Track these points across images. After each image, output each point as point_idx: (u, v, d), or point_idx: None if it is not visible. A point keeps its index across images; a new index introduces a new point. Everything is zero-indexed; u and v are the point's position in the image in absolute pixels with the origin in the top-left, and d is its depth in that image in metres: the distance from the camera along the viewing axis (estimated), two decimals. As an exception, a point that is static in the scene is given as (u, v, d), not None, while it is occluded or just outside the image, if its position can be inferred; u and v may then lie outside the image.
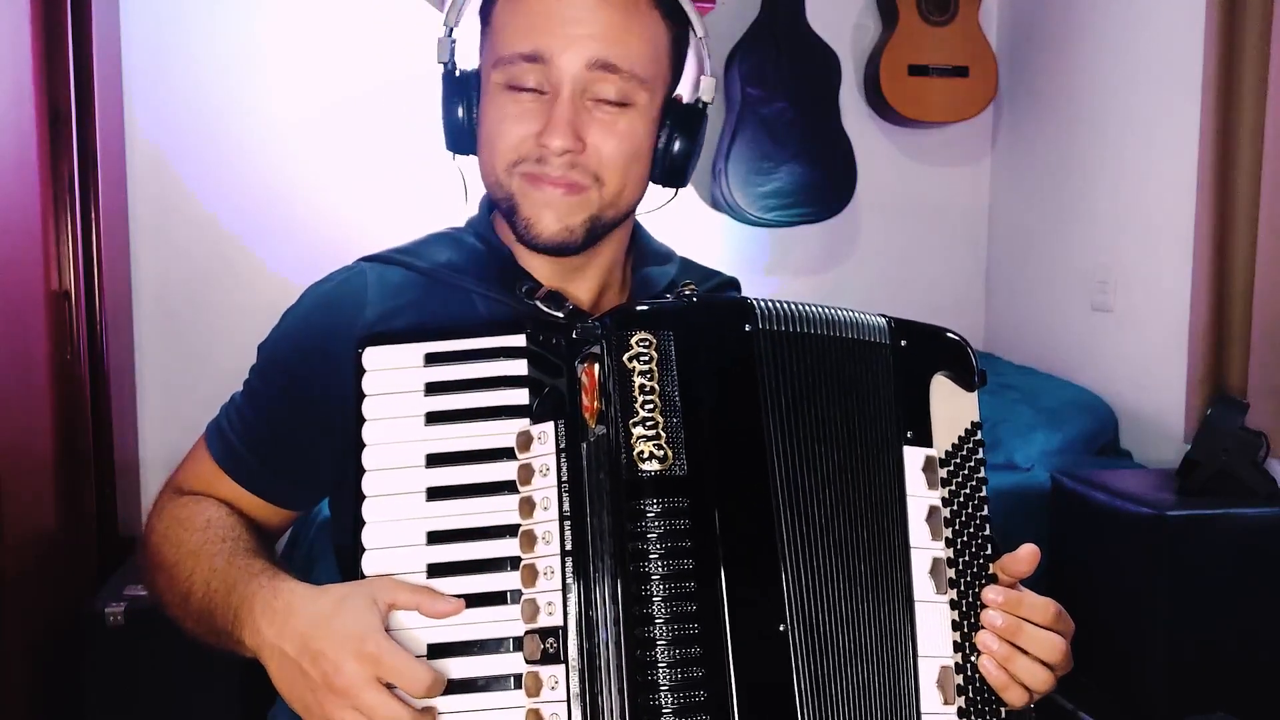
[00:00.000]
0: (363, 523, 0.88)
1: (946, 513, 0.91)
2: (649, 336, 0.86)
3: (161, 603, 1.02)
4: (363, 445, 0.90)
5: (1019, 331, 3.27)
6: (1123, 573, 2.14)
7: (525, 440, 0.89)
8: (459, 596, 0.85)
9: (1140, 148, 2.73)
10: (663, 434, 0.84)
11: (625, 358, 0.85)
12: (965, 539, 0.90)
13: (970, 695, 0.88)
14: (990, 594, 0.89)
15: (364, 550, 0.88)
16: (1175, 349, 2.55)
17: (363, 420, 0.90)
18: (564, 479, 0.87)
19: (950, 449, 0.92)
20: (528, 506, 0.87)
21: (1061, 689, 0.98)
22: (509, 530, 0.87)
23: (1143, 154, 2.72)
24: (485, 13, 1.05)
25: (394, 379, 0.92)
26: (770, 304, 0.90)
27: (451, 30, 1.06)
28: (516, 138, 1.00)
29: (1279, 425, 2.26)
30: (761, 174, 2.99)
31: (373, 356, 0.92)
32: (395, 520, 0.88)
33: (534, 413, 0.90)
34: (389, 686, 0.80)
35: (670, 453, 0.83)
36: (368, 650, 0.80)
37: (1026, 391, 2.84)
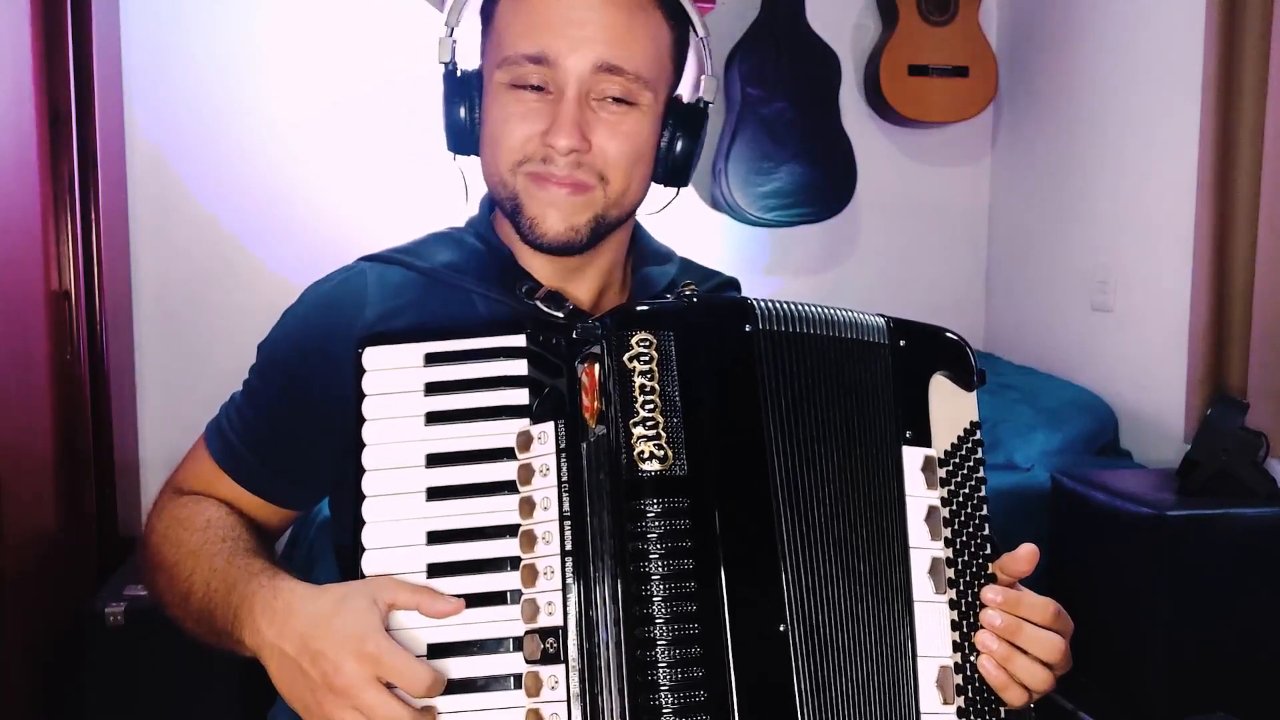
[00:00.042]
0: (363, 522, 0.88)
1: (945, 513, 0.91)
2: (649, 336, 0.86)
3: (161, 603, 1.02)
4: (363, 445, 0.90)
5: (1019, 331, 3.27)
6: (1123, 573, 2.14)
7: (525, 440, 0.89)
8: (459, 596, 0.85)
9: (1140, 148, 2.73)
10: (663, 434, 0.84)
11: (625, 358, 0.85)
12: (964, 539, 0.90)
13: (970, 695, 0.88)
14: (989, 594, 0.89)
15: (364, 550, 0.88)
16: (1175, 349, 2.55)
17: (363, 420, 0.90)
18: (564, 479, 0.87)
19: (949, 449, 0.93)
20: (528, 506, 0.87)
21: (1061, 689, 0.98)
22: (509, 530, 0.87)
23: (1143, 154, 2.72)
24: (487, 12, 1.05)
25: (394, 379, 0.92)
26: (770, 304, 0.90)
27: (453, 30, 1.06)
28: (521, 137, 1.00)
29: (1279, 425, 2.26)
30: (761, 174, 2.99)
31: (373, 356, 0.92)
32: (395, 520, 0.88)
33: (534, 413, 0.90)
34: (389, 686, 0.80)
35: (670, 453, 0.83)
36: (368, 650, 0.80)
37: (1026, 391, 2.84)
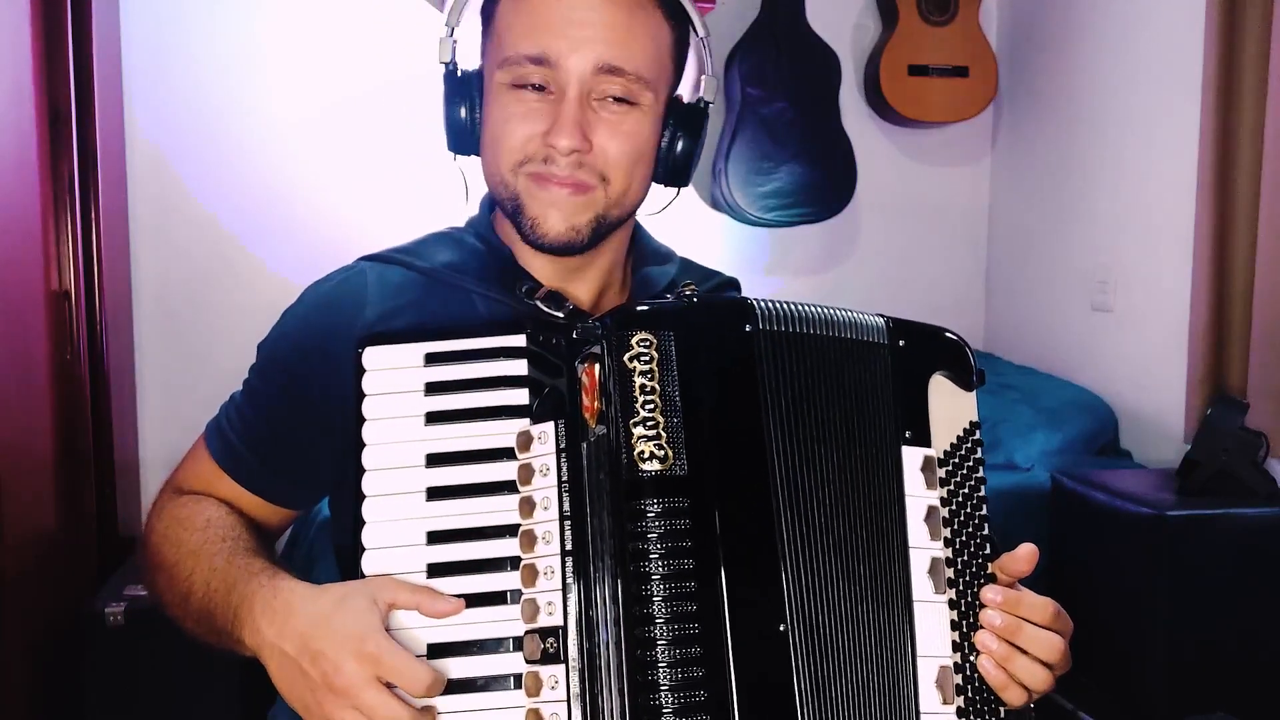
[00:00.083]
0: (363, 522, 0.88)
1: (945, 512, 0.91)
2: (649, 336, 0.86)
3: (161, 602, 1.02)
4: (363, 445, 0.90)
5: (1019, 331, 3.27)
6: (1123, 573, 2.14)
7: (525, 440, 0.89)
8: (459, 596, 0.85)
9: (1140, 148, 2.73)
10: (663, 434, 0.84)
11: (626, 358, 0.85)
12: (964, 539, 0.91)
13: (969, 695, 0.88)
14: (989, 594, 0.89)
15: (364, 550, 0.88)
16: (1175, 349, 2.55)
17: (363, 420, 0.90)
18: (564, 479, 0.87)
19: (949, 449, 0.93)
20: (528, 506, 0.87)
21: (1061, 689, 0.98)
22: (509, 530, 0.87)
23: (1143, 154, 2.72)
24: (487, 13, 1.05)
25: (394, 379, 0.92)
26: (770, 304, 0.90)
27: (453, 30, 1.06)
28: (522, 137, 1.00)
29: (1279, 425, 2.26)
30: (761, 174, 2.99)
31: (373, 356, 0.92)
32: (395, 520, 0.88)
33: (534, 413, 0.90)
34: (389, 686, 0.80)
35: (671, 453, 0.83)
36: (368, 650, 0.80)
37: (1026, 391, 2.84)
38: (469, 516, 0.88)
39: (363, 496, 0.89)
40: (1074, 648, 0.91)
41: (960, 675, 0.88)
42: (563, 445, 0.88)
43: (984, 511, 0.92)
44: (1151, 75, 2.69)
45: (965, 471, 0.92)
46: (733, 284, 1.21)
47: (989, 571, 0.91)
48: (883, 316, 0.95)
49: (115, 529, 2.63)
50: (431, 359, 0.92)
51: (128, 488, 2.75)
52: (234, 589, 0.91)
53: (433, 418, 0.90)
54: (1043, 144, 3.15)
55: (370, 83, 2.93)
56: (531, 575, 0.86)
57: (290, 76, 2.93)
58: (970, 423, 0.94)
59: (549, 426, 0.89)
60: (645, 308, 0.90)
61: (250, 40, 2.91)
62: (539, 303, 1.02)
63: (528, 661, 0.84)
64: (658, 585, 0.81)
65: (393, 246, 1.10)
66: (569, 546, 0.85)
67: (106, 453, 2.60)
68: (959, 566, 0.90)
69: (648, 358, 0.85)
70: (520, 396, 0.90)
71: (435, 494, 0.89)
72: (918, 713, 0.86)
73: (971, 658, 0.88)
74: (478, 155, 1.07)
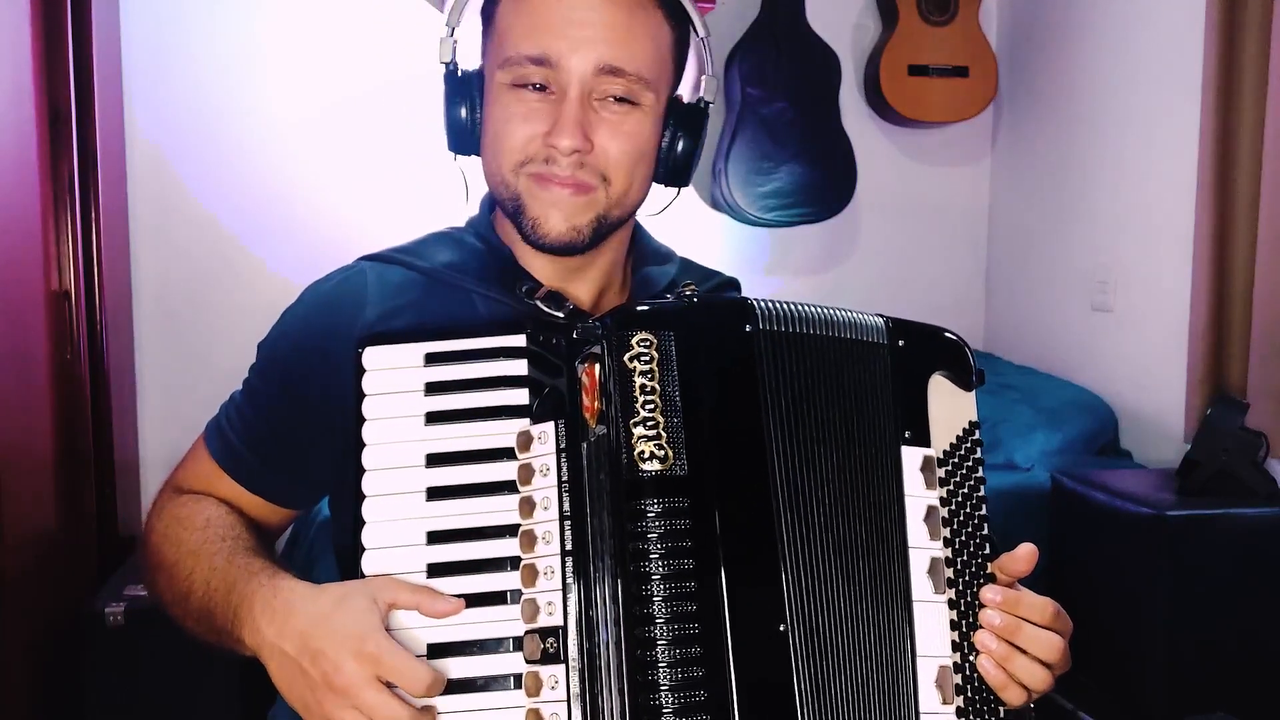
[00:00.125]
0: (363, 522, 0.88)
1: (944, 512, 0.91)
2: (650, 336, 0.86)
3: (162, 602, 1.02)
4: (363, 445, 0.90)
5: (1019, 331, 3.27)
6: (1123, 573, 2.14)
7: (525, 440, 0.89)
8: (459, 596, 0.85)
9: (1140, 148, 2.73)
10: (663, 434, 0.84)
11: (626, 358, 0.85)
12: (963, 539, 0.91)
13: (969, 695, 0.88)
14: (988, 593, 0.89)
15: (364, 550, 0.88)
16: (1175, 349, 2.55)
17: (363, 420, 0.91)
18: (564, 479, 0.87)
19: (948, 449, 0.93)
20: (528, 506, 0.87)
21: (1061, 689, 0.98)
22: (509, 530, 0.87)
23: (1143, 154, 2.72)
24: (487, 13, 1.05)
25: (394, 379, 0.92)
26: (770, 304, 0.90)
27: (453, 30, 1.06)
28: (524, 138, 1.00)
29: (1279, 425, 2.26)
30: (761, 174, 2.99)
31: (373, 356, 0.92)
32: (395, 520, 0.88)
33: (534, 413, 0.90)
34: (389, 686, 0.80)
35: (671, 453, 0.83)
36: (368, 650, 0.80)
37: (1026, 391, 2.84)
38: (469, 516, 0.88)
39: (363, 496, 0.89)
40: (1073, 647, 0.91)
41: (960, 675, 0.88)
42: (563, 445, 0.88)
43: (983, 511, 0.92)
44: (1151, 75, 2.69)
45: (965, 471, 0.92)
46: (733, 284, 1.21)
47: (988, 571, 0.91)
48: (882, 316, 0.95)
49: (115, 529, 2.63)
50: (431, 359, 0.92)
51: (128, 488, 2.75)
52: (234, 588, 0.91)
53: (433, 418, 0.90)
54: (1043, 144, 3.15)
55: (370, 83, 2.93)
56: (531, 575, 0.86)
57: (290, 76, 2.93)
58: (970, 422, 0.94)
59: (549, 426, 0.89)
60: (645, 308, 0.90)
61: (250, 40, 2.91)
62: (539, 303, 1.02)
63: (528, 661, 0.84)
64: (658, 585, 0.81)
65: (393, 246, 1.10)
66: (569, 546, 0.85)
67: (106, 453, 2.60)
68: (958, 566, 0.90)
69: (648, 358, 0.85)
70: (520, 396, 0.90)
71: (435, 494, 0.89)
72: (917, 712, 0.86)
73: (971, 657, 0.88)
74: (478, 155, 1.07)
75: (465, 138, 1.06)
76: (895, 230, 3.35)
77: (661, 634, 0.80)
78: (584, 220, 1.02)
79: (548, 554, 0.86)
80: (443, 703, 0.83)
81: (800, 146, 3.01)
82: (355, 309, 1.03)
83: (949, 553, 0.90)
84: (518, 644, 0.85)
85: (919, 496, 0.91)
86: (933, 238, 3.39)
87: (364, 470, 0.89)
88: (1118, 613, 2.13)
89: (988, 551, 0.91)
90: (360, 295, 1.04)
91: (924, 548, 0.90)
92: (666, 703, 0.79)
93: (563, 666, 0.84)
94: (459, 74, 1.06)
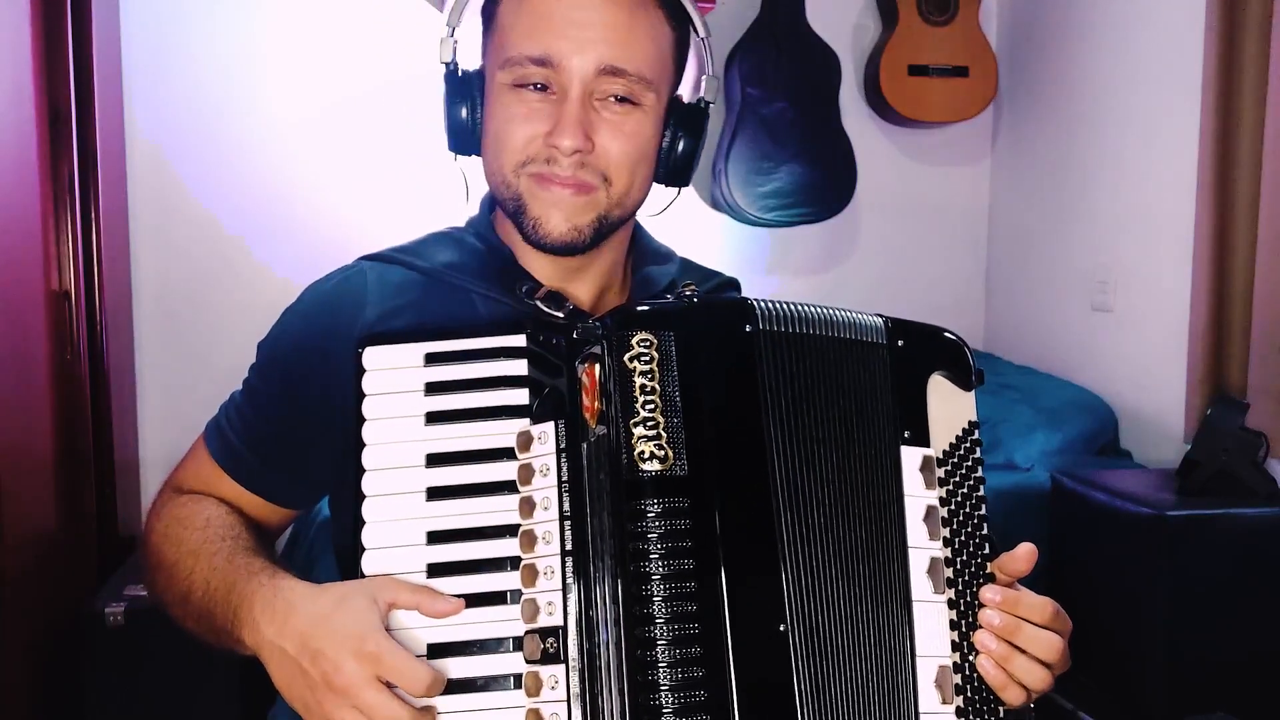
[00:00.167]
0: (363, 522, 0.88)
1: (944, 512, 0.91)
2: (650, 337, 0.86)
3: (162, 602, 1.02)
4: (363, 445, 0.90)
5: (1019, 331, 3.27)
6: (1122, 573, 2.14)
7: (525, 440, 0.89)
8: (459, 596, 0.85)
9: (1140, 148, 2.73)
10: (663, 434, 0.84)
11: (626, 358, 0.85)
12: (963, 538, 0.91)
13: (969, 694, 0.88)
14: (988, 593, 0.89)
15: (364, 550, 0.88)
16: (1175, 349, 2.55)
17: (363, 420, 0.91)
18: (564, 479, 0.87)
19: (948, 448, 0.93)
20: (528, 506, 0.87)
21: (1061, 689, 0.98)
22: (509, 530, 0.87)
23: (1143, 154, 2.72)
24: (488, 13, 1.05)
25: (394, 379, 0.92)
26: (770, 304, 0.90)
27: (454, 30, 1.06)
28: (525, 138, 1.00)
29: (1279, 425, 2.26)
30: (761, 174, 2.99)
31: (373, 356, 0.92)
32: (395, 520, 0.88)
33: (534, 413, 0.90)
34: (389, 686, 0.80)
35: (671, 453, 0.83)
36: (368, 649, 0.80)
37: (1026, 391, 2.84)
38: (469, 516, 0.88)
39: (363, 496, 0.89)
40: (1073, 647, 0.91)
41: (959, 675, 0.88)
42: (563, 445, 0.88)
43: (983, 511, 0.92)
44: (1151, 75, 2.69)
45: (964, 471, 0.92)
46: (733, 284, 1.21)
47: (988, 571, 0.91)
48: (882, 316, 0.95)
49: (115, 529, 2.63)
50: (431, 359, 0.92)
51: (128, 488, 2.75)
52: (234, 588, 0.91)
53: (433, 418, 0.91)
54: (1043, 144, 3.15)
55: (370, 83, 2.93)
56: (531, 575, 0.86)
57: (290, 76, 2.93)
58: (969, 422, 0.94)
59: (549, 426, 0.89)
60: (645, 308, 0.90)
61: (250, 40, 2.91)
62: (539, 303, 1.02)
63: (528, 661, 0.84)
64: (658, 585, 0.81)
65: (393, 246, 1.10)
66: (569, 546, 0.85)
67: (106, 453, 2.60)
68: (958, 566, 0.90)
69: (648, 358, 0.85)
70: (520, 396, 0.91)
71: (435, 494, 0.89)
72: (917, 712, 0.87)
73: (971, 657, 0.88)
74: (478, 155, 1.07)
75: (466, 138, 1.06)
76: (895, 230, 3.35)
77: (661, 634, 0.80)
78: (585, 220, 1.02)
79: (548, 554, 0.86)
80: (443, 703, 0.83)
81: (800, 146, 3.01)
82: (355, 309, 1.03)
83: (948, 552, 0.90)
84: (518, 644, 0.85)
85: (918, 496, 0.91)
86: (933, 238, 3.39)
87: (364, 470, 0.89)
88: (1118, 613, 2.13)
89: (987, 551, 0.91)
90: (360, 295, 1.04)
91: (923, 547, 0.90)
92: (666, 703, 0.79)
93: (563, 666, 0.84)
94: (459, 74, 1.06)
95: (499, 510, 0.88)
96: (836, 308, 0.93)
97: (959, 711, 0.87)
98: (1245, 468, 2.13)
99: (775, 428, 0.87)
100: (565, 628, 0.84)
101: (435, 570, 0.87)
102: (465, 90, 1.06)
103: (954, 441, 0.93)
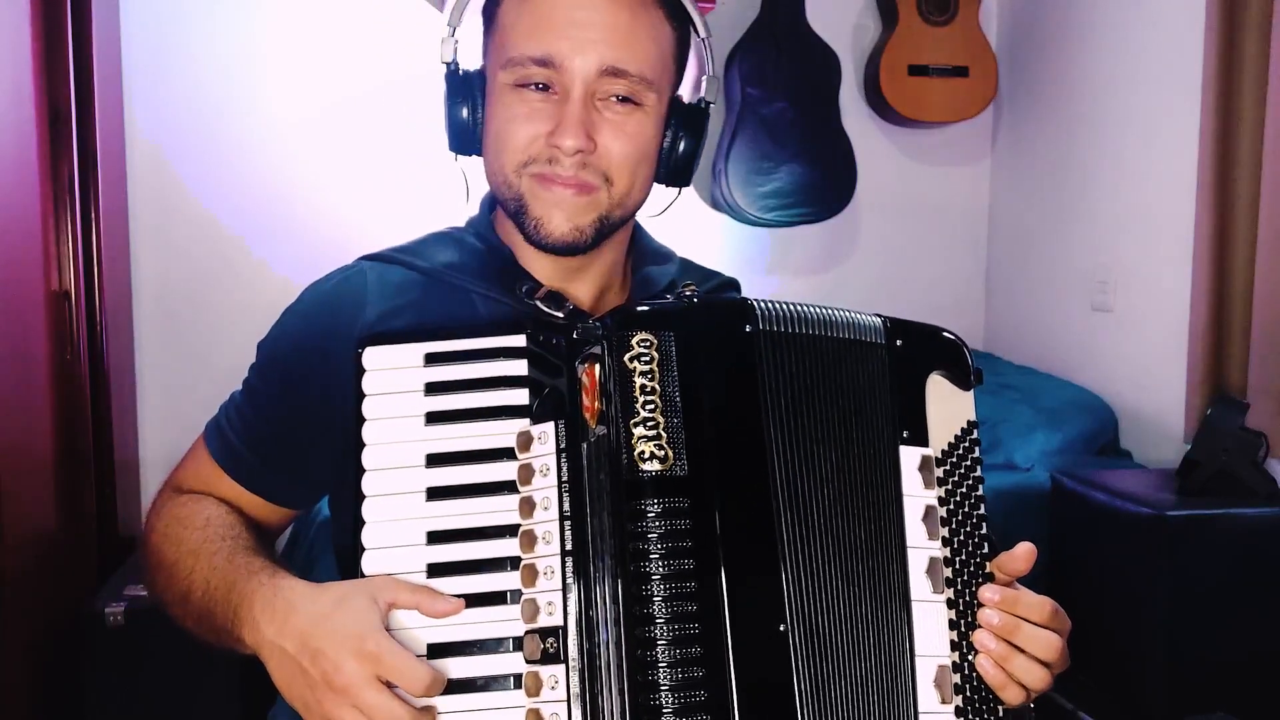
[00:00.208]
0: (363, 522, 0.88)
1: (943, 512, 0.91)
2: (650, 337, 0.86)
3: (162, 601, 1.02)
4: (362, 445, 0.90)
5: (1019, 331, 3.27)
6: (1122, 573, 2.14)
7: (525, 440, 0.89)
8: (459, 596, 0.85)
9: (1140, 148, 2.73)
10: (663, 434, 0.84)
11: (626, 358, 0.85)
12: (962, 538, 0.91)
13: (968, 694, 0.88)
14: (987, 593, 0.89)
15: (364, 550, 0.88)
16: (1175, 349, 2.55)
17: (362, 420, 0.91)
18: (564, 479, 0.87)
19: (946, 448, 0.93)
20: (528, 506, 0.88)
21: (1061, 688, 0.98)
22: (509, 530, 0.87)
23: (1143, 154, 2.72)
24: (489, 13, 1.05)
25: (394, 379, 0.92)
26: (770, 304, 0.90)
27: (454, 30, 1.06)
28: (526, 138, 1.00)
29: (1279, 425, 2.26)
30: (761, 174, 2.99)
31: (373, 356, 0.92)
32: (395, 520, 0.88)
33: (534, 413, 0.90)
34: (389, 686, 0.80)
35: (671, 453, 0.84)
36: (368, 649, 0.80)
37: (1026, 391, 2.84)
38: (469, 516, 0.88)
39: (363, 496, 0.89)
40: (1073, 647, 0.91)
41: (959, 674, 0.88)
42: (563, 445, 0.88)
43: (982, 511, 0.92)
44: (1151, 75, 2.69)
45: (963, 471, 0.92)
46: (733, 284, 1.21)
47: (987, 571, 0.91)
48: (880, 316, 0.95)
49: (115, 529, 2.63)
50: (431, 359, 0.92)
51: (128, 488, 2.75)
52: (234, 588, 0.91)
53: (433, 418, 0.91)
54: (1043, 144, 3.15)
55: (370, 83, 2.93)
56: (531, 575, 0.86)
57: (290, 76, 2.93)
58: (968, 422, 0.94)
59: (549, 427, 0.89)
60: (645, 308, 0.90)
61: (250, 40, 2.91)
62: (539, 303, 1.02)
63: (528, 661, 0.84)
64: (658, 585, 0.81)
65: (393, 246, 1.10)
66: (569, 546, 0.86)
67: (106, 453, 2.60)
68: (957, 566, 0.90)
69: (648, 358, 0.85)
70: (520, 397, 0.91)
71: (435, 494, 0.89)
72: (916, 712, 0.87)
73: (970, 657, 0.88)
74: (479, 155, 1.07)
75: (467, 138, 1.06)
76: (895, 230, 3.35)
77: (661, 634, 0.80)
78: (586, 220, 1.02)
79: (548, 554, 0.86)
80: (443, 703, 0.83)
81: (800, 146, 3.01)
82: (355, 309, 1.03)
83: (947, 552, 0.90)
84: (518, 644, 0.85)
85: (917, 496, 0.91)
86: (933, 238, 3.39)
87: (364, 470, 0.89)
88: (1118, 613, 2.13)
89: (986, 551, 0.91)
90: (360, 295, 1.04)
91: (922, 547, 0.90)
92: (666, 703, 0.79)
93: (563, 666, 0.84)
94: (460, 74, 1.06)
95: (499, 510, 0.88)
96: (836, 308, 0.93)
97: (958, 711, 0.87)
98: (1245, 468, 2.13)
99: (775, 428, 0.87)
100: (565, 628, 0.84)
101: (435, 570, 0.87)
102: (466, 90, 1.06)
103: (953, 441, 0.93)
